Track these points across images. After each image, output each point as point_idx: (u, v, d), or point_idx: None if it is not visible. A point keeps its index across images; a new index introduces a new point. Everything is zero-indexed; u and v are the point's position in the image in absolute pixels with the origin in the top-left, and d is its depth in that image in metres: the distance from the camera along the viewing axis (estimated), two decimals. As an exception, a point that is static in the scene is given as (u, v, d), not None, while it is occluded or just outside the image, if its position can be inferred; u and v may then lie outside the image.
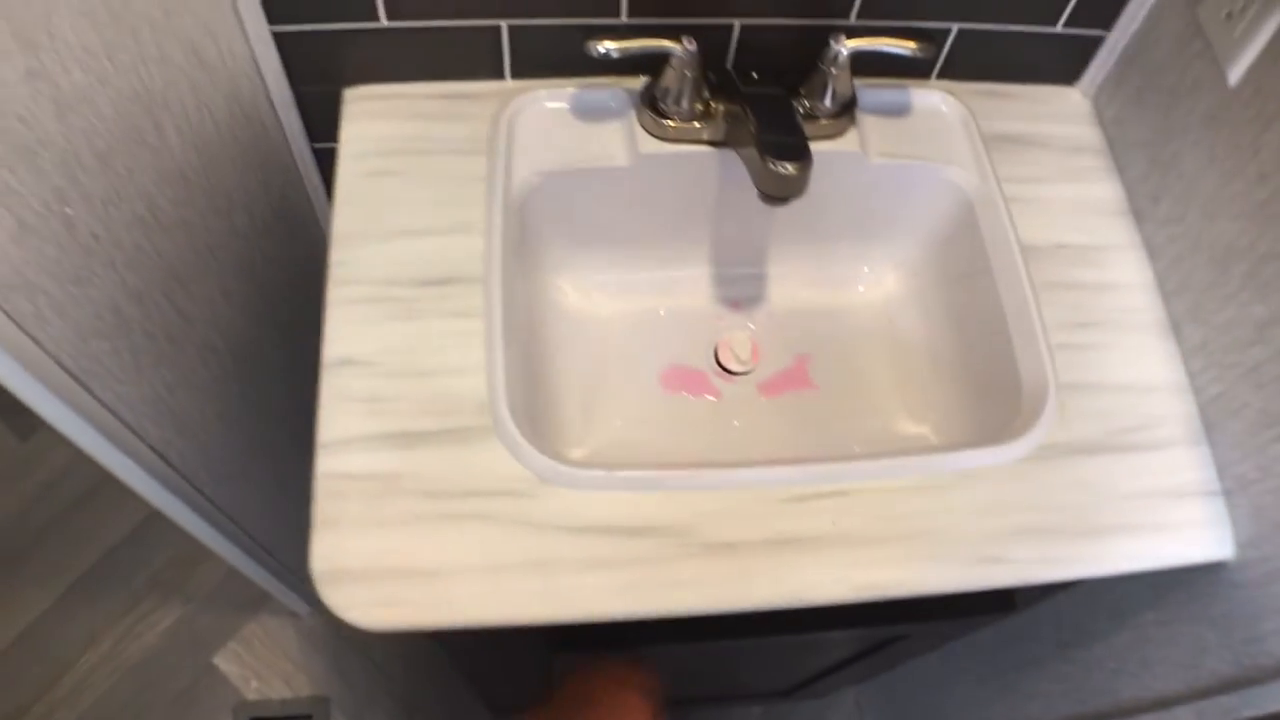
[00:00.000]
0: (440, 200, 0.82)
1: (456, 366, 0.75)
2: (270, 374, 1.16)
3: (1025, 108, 0.93)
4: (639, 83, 0.86)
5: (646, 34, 0.77)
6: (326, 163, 0.96)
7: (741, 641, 0.94)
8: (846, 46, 0.78)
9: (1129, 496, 0.75)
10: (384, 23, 0.81)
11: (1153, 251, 0.86)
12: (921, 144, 0.88)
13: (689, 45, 0.77)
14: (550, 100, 0.87)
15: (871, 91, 0.88)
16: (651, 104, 0.83)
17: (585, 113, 0.86)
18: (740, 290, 0.95)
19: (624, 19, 0.82)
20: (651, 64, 0.82)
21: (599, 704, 0.79)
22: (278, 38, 0.81)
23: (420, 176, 0.83)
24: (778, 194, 0.73)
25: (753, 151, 0.74)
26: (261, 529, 1.29)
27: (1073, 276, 0.84)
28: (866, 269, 0.95)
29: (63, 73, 0.65)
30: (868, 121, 0.88)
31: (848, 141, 0.86)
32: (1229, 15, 0.74)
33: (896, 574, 0.71)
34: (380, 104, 0.87)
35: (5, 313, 0.67)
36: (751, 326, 0.93)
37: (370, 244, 0.80)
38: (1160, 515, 0.75)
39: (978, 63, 0.91)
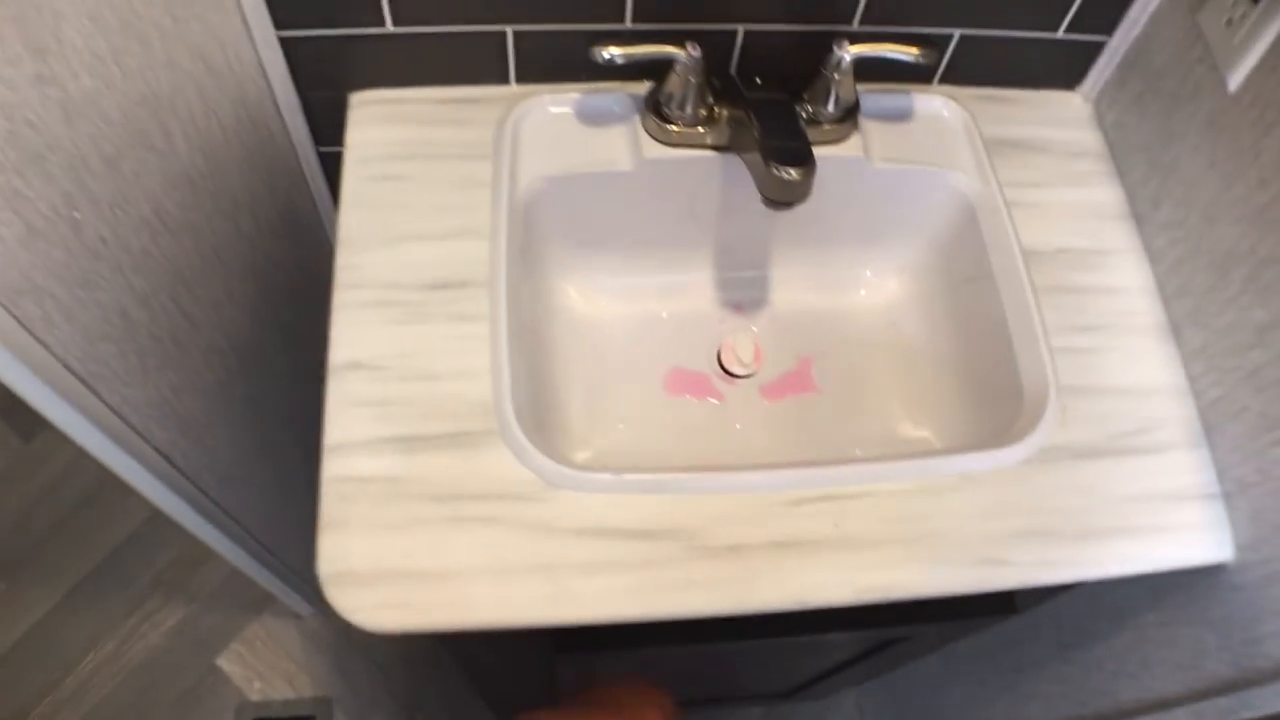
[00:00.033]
0: (445, 205, 0.82)
1: (462, 370, 0.75)
2: (274, 376, 1.17)
3: (1027, 112, 0.94)
4: (643, 88, 0.86)
5: (651, 40, 0.77)
6: (332, 166, 0.97)
7: (743, 643, 0.94)
8: (849, 52, 0.79)
9: (1129, 499, 0.76)
10: (390, 28, 0.81)
11: (1153, 255, 0.86)
12: (924, 149, 0.89)
13: (693, 51, 0.77)
14: (555, 105, 0.87)
15: (874, 96, 0.89)
16: (655, 109, 0.83)
17: (589, 117, 0.87)
18: (743, 293, 0.95)
19: (628, 24, 0.82)
20: (656, 69, 0.82)
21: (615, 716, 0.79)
22: (284, 43, 0.82)
23: (426, 181, 0.84)
24: (781, 199, 0.74)
25: (757, 157, 0.74)
26: (264, 530, 1.29)
27: (1074, 280, 0.85)
28: (869, 273, 0.96)
29: (71, 78, 0.66)
30: (870, 126, 0.88)
31: (850, 146, 0.86)
32: (1229, 22, 0.74)
33: (898, 576, 0.71)
34: (386, 109, 0.87)
35: (14, 317, 0.68)
36: (754, 330, 0.94)
37: (376, 248, 0.80)
38: (1160, 518, 0.76)
39: (979, 68, 0.92)
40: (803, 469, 0.75)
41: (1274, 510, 0.72)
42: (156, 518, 1.73)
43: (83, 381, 0.78)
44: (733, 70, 0.88)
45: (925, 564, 0.72)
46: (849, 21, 0.84)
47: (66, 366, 0.75)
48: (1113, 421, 0.79)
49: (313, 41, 0.82)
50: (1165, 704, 0.86)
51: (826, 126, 0.84)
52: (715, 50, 0.83)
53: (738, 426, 0.89)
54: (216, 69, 0.80)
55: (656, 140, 0.85)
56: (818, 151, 0.75)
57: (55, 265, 0.71)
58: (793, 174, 0.72)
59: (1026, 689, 1.13)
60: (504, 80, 0.88)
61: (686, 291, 0.94)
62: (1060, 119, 0.94)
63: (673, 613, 0.69)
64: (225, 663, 1.69)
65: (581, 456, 0.84)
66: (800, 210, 0.76)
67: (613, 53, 0.76)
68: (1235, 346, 0.76)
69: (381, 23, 0.81)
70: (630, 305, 0.93)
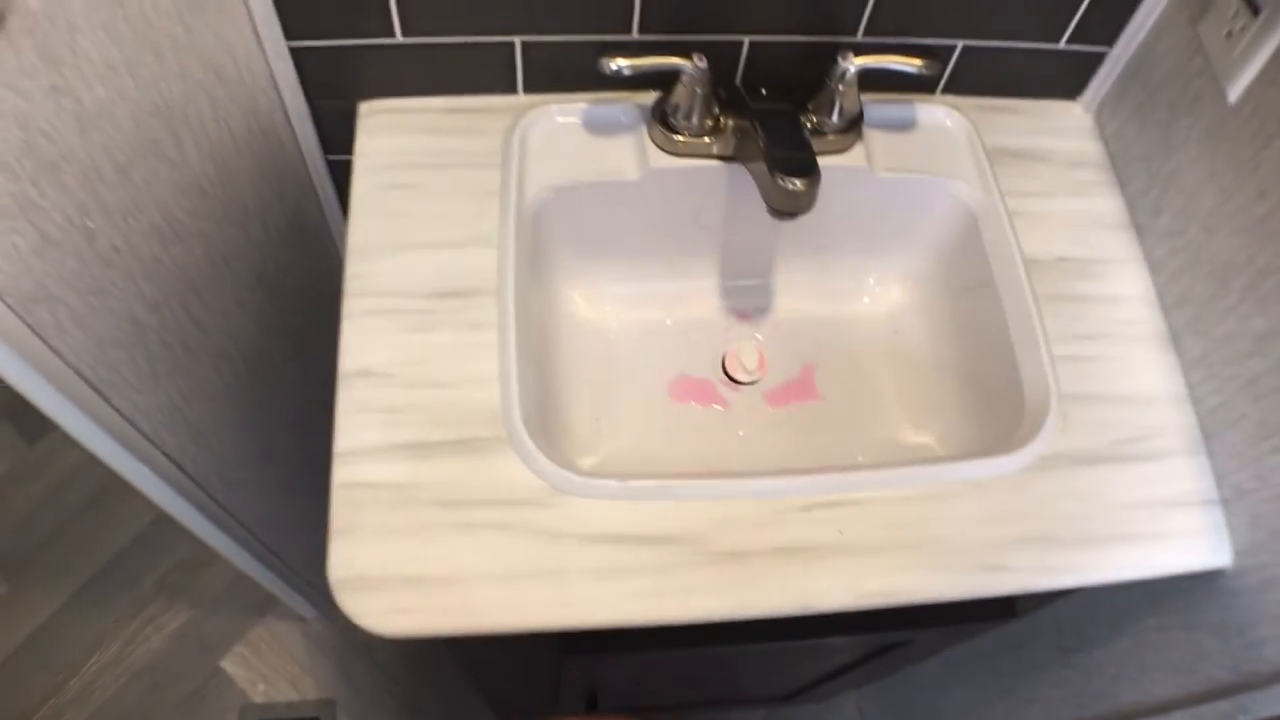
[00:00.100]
0: (454, 213, 0.83)
1: (470, 378, 0.76)
2: (282, 382, 1.17)
3: (1028, 122, 0.94)
4: (650, 98, 0.87)
5: (657, 51, 0.78)
6: (340, 174, 0.97)
7: (745, 646, 0.95)
8: (854, 64, 0.80)
9: (1129, 506, 0.77)
10: (399, 39, 0.82)
11: (1153, 265, 0.87)
12: (926, 158, 0.89)
13: (699, 63, 0.78)
14: (562, 115, 0.88)
15: (877, 107, 0.90)
16: (662, 119, 0.84)
17: (597, 127, 0.88)
18: (747, 301, 0.96)
19: (635, 36, 0.83)
20: (662, 80, 0.83)
21: None
22: (295, 53, 0.83)
23: (434, 190, 0.84)
24: (787, 209, 0.75)
25: (762, 167, 0.75)
26: (269, 533, 1.30)
27: (1075, 289, 0.86)
28: (872, 280, 0.96)
29: (85, 89, 0.67)
30: (874, 136, 0.89)
31: (854, 156, 0.87)
32: (1229, 34, 0.75)
33: (900, 582, 0.72)
34: (395, 118, 0.88)
35: (27, 325, 0.68)
36: (758, 337, 0.94)
37: (385, 256, 0.81)
38: (1159, 524, 0.76)
39: (982, 78, 0.92)
40: (807, 476, 0.75)
41: (1272, 516, 0.73)
42: (161, 521, 1.75)
43: (94, 388, 0.78)
44: (738, 81, 0.89)
45: (927, 570, 0.72)
46: (853, 33, 0.85)
47: (78, 373, 0.76)
48: (1113, 429, 0.80)
49: (323, 51, 0.83)
50: (1164, 707, 0.87)
51: (831, 136, 0.85)
52: (721, 61, 0.84)
53: (741, 433, 0.89)
54: (228, 79, 0.80)
55: (663, 150, 0.85)
56: (822, 161, 0.75)
57: (68, 273, 0.72)
58: (798, 184, 0.73)
59: (1026, 692, 1.14)
60: (512, 90, 0.89)
61: (692, 299, 0.95)
62: (1062, 129, 0.95)
63: (678, 617, 0.70)
64: (229, 665, 1.70)
65: (587, 462, 0.85)
66: (804, 219, 0.77)
67: (620, 64, 0.76)
68: (1234, 355, 0.76)
69: (391, 33, 0.81)
70: (636, 313, 0.93)
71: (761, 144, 0.76)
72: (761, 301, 0.96)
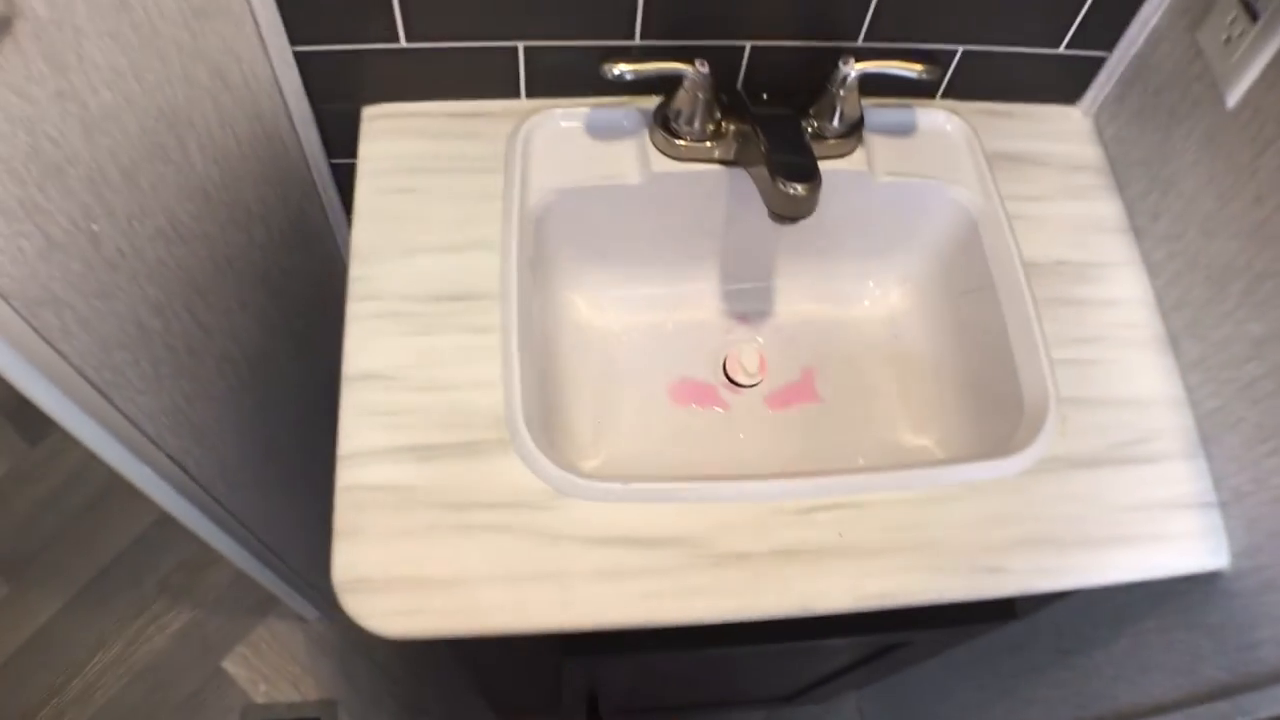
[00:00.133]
0: (457, 217, 0.84)
1: (474, 381, 0.76)
2: (284, 384, 1.18)
3: (1028, 126, 0.95)
4: (652, 102, 0.88)
5: (660, 56, 0.78)
6: (343, 178, 0.98)
7: (746, 648, 0.95)
8: (854, 69, 0.80)
9: (1127, 508, 0.77)
10: (403, 44, 0.82)
11: (1152, 268, 0.88)
12: (926, 163, 0.90)
13: (701, 68, 0.79)
14: (565, 119, 0.88)
15: (878, 111, 0.90)
16: (664, 124, 0.85)
17: (599, 132, 0.88)
18: (748, 304, 0.96)
19: (637, 40, 0.83)
20: (664, 85, 0.83)
21: None
22: (299, 58, 0.83)
23: (437, 194, 0.85)
24: (788, 214, 0.75)
25: (763, 171, 0.75)
26: (271, 534, 1.30)
27: (1074, 293, 0.86)
28: (872, 284, 0.97)
29: (91, 93, 0.67)
30: (874, 141, 0.89)
31: (855, 161, 0.87)
32: (1227, 40, 0.76)
33: (900, 584, 0.72)
34: (398, 122, 0.88)
35: (33, 327, 0.69)
36: (759, 340, 0.95)
37: (389, 260, 0.81)
38: (1157, 526, 0.77)
39: (982, 83, 0.93)
40: (808, 478, 0.76)
41: (1269, 518, 0.73)
42: (162, 521, 1.76)
43: (99, 390, 0.79)
44: (740, 86, 0.89)
45: (926, 571, 0.73)
46: (854, 38, 0.86)
47: (83, 376, 0.76)
48: (1112, 432, 0.80)
49: (327, 56, 0.83)
50: (1163, 708, 0.87)
51: (831, 141, 0.86)
52: (723, 66, 0.84)
53: (742, 436, 0.90)
54: (232, 83, 0.81)
55: (665, 154, 0.86)
56: (823, 165, 0.76)
57: (73, 276, 0.72)
58: (799, 189, 0.73)
59: (1026, 693, 1.14)
60: (515, 94, 0.89)
61: (693, 302, 0.95)
62: (1061, 133, 0.95)
63: (679, 619, 0.70)
64: (231, 665, 1.70)
65: (589, 465, 0.85)
66: (805, 223, 0.77)
67: (623, 70, 0.77)
68: (1232, 359, 0.77)
69: (395, 38, 0.82)
70: (638, 316, 0.94)
71: (763, 148, 0.77)
72: (762, 305, 0.96)
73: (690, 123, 0.83)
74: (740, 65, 0.87)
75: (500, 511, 0.72)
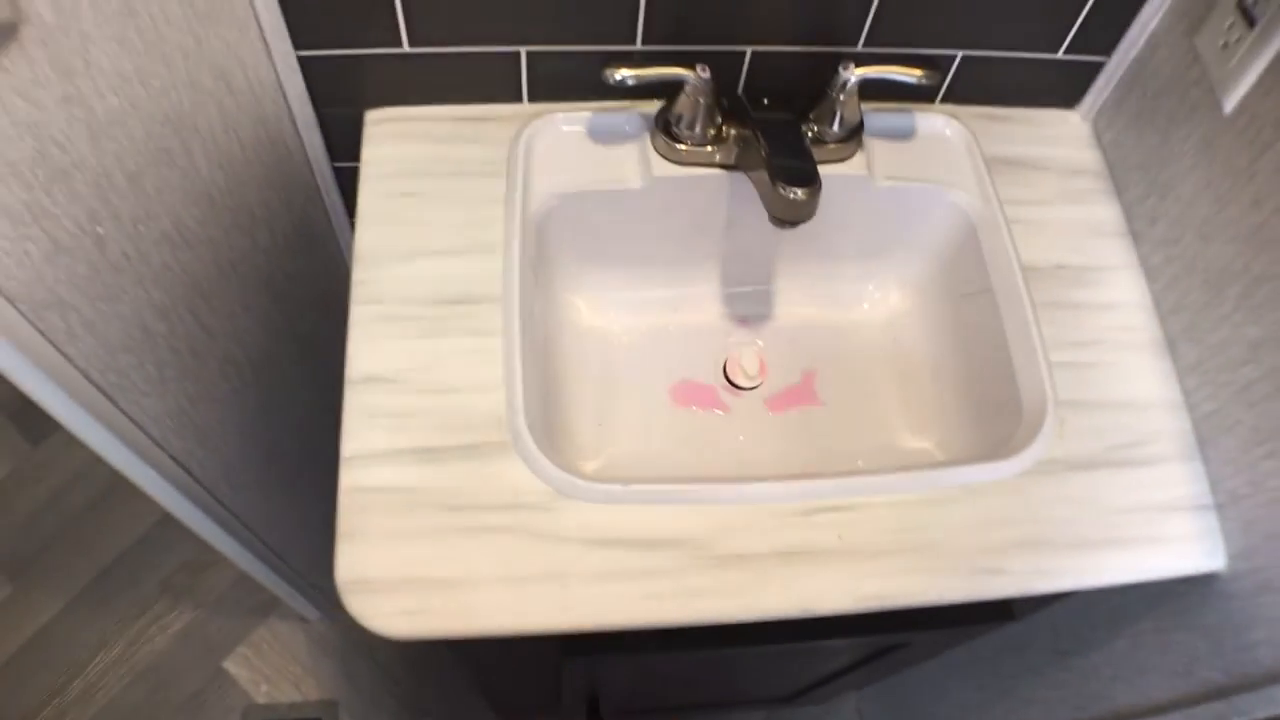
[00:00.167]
0: (459, 221, 0.84)
1: (476, 383, 0.77)
2: (287, 386, 1.18)
3: (1027, 131, 0.95)
4: (653, 107, 0.88)
5: (661, 61, 0.79)
6: (347, 182, 0.98)
7: (746, 648, 0.96)
8: (854, 74, 0.80)
9: (1124, 510, 0.78)
10: (406, 49, 0.83)
11: (1150, 272, 0.88)
12: (926, 167, 0.90)
13: (703, 73, 0.79)
14: (567, 124, 0.89)
15: (878, 116, 0.91)
16: (665, 128, 0.85)
17: (601, 136, 0.89)
18: (749, 307, 0.97)
19: (639, 46, 0.84)
20: (666, 89, 0.84)
21: None
22: (303, 62, 0.83)
23: (440, 197, 0.85)
24: (788, 218, 0.76)
25: (763, 176, 0.76)
26: (273, 535, 1.31)
27: (1072, 296, 0.86)
28: (872, 287, 0.97)
29: (98, 98, 0.68)
30: (874, 145, 0.90)
31: (855, 165, 0.88)
32: (1225, 45, 0.76)
33: (899, 585, 0.73)
34: (401, 126, 0.89)
35: (38, 330, 0.69)
36: (759, 343, 0.95)
37: (392, 263, 0.82)
38: (1154, 528, 0.77)
39: (981, 87, 0.93)
40: (808, 481, 0.76)
41: (1265, 521, 0.74)
42: (164, 522, 1.76)
43: (103, 392, 0.79)
44: (740, 90, 0.90)
45: (925, 573, 0.73)
46: (854, 43, 0.86)
47: (88, 378, 0.77)
48: (1109, 434, 0.80)
49: (331, 61, 0.84)
50: (1160, 709, 0.88)
51: (831, 145, 0.86)
52: (724, 71, 0.85)
53: (742, 438, 0.90)
54: (237, 88, 0.81)
55: (666, 159, 0.86)
56: (823, 170, 0.76)
57: (79, 279, 0.73)
58: (799, 194, 0.73)
59: (1024, 694, 1.15)
60: (517, 99, 0.90)
61: (693, 305, 0.96)
62: (1059, 137, 0.96)
63: (679, 620, 0.71)
64: (232, 666, 1.71)
65: (590, 466, 0.85)
66: (805, 226, 0.78)
67: (624, 75, 0.77)
68: (1228, 362, 0.77)
69: (398, 43, 0.82)
70: (639, 318, 0.94)
71: (763, 153, 0.77)
72: (762, 308, 0.97)
73: (691, 127, 0.84)
74: (741, 70, 0.88)
75: (502, 513, 0.72)
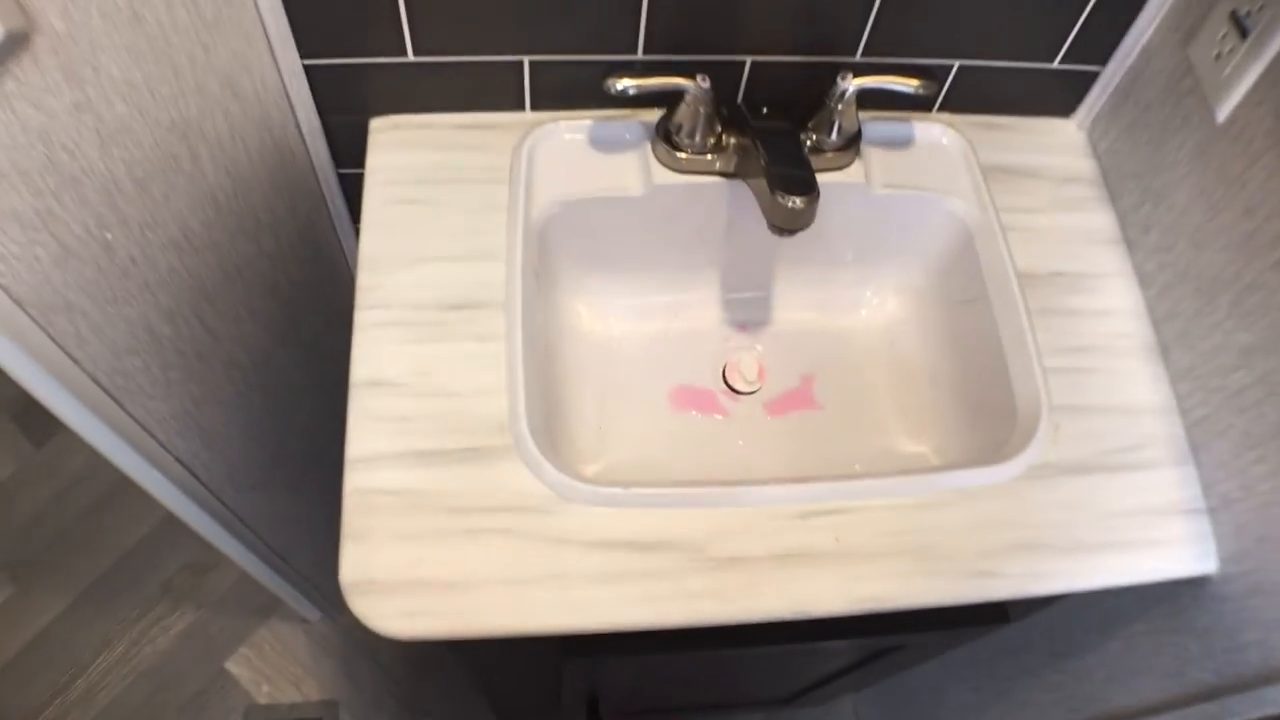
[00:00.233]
0: (463, 228, 0.85)
1: (479, 388, 0.78)
2: (291, 389, 1.19)
3: (1023, 139, 0.96)
4: (654, 115, 0.89)
5: (662, 71, 0.80)
6: (351, 188, 0.99)
7: (744, 650, 0.96)
8: (852, 84, 0.81)
9: (1118, 514, 0.78)
10: (410, 57, 0.84)
11: (1143, 279, 0.89)
12: (923, 175, 0.91)
13: (703, 83, 0.80)
14: (569, 132, 0.89)
15: (875, 124, 0.92)
16: (666, 137, 0.86)
17: (602, 144, 0.90)
18: (748, 313, 0.98)
19: (640, 55, 0.85)
20: (666, 99, 0.85)
21: None
22: (309, 70, 0.84)
23: (444, 204, 0.86)
24: (786, 226, 0.76)
25: (762, 184, 0.77)
26: (276, 536, 1.32)
27: (1067, 303, 0.87)
28: (870, 294, 0.98)
29: (107, 105, 0.68)
30: (872, 153, 0.91)
31: (853, 173, 0.89)
32: (1218, 55, 0.77)
33: (895, 587, 0.74)
34: (405, 133, 0.89)
35: (46, 333, 0.70)
36: (758, 348, 0.96)
37: (396, 269, 0.82)
38: (1147, 532, 0.78)
39: (978, 96, 0.94)
40: (805, 484, 0.77)
41: (1256, 524, 0.75)
42: (166, 524, 1.77)
43: (110, 395, 0.80)
44: (740, 100, 0.90)
45: (921, 576, 0.74)
46: (852, 53, 0.87)
47: (95, 380, 0.78)
48: (1103, 439, 0.81)
49: (336, 69, 0.84)
50: (1153, 710, 0.88)
51: (830, 154, 0.87)
52: (723, 80, 0.86)
53: (741, 442, 0.91)
54: (243, 95, 0.82)
55: (666, 167, 0.87)
56: (821, 178, 0.77)
57: (87, 283, 0.74)
58: (797, 203, 0.74)
59: (1021, 696, 1.15)
60: (520, 107, 0.90)
61: (693, 311, 0.97)
62: (1055, 146, 0.97)
63: (678, 621, 0.72)
64: (234, 666, 1.72)
65: (591, 470, 0.86)
66: (803, 234, 0.79)
67: (625, 85, 0.78)
68: (1220, 368, 0.78)
69: (403, 52, 0.83)
70: (639, 324, 0.95)
71: (762, 162, 0.78)
72: (761, 313, 0.98)
73: (691, 136, 0.85)
74: (741, 80, 0.89)
75: (504, 515, 0.73)
